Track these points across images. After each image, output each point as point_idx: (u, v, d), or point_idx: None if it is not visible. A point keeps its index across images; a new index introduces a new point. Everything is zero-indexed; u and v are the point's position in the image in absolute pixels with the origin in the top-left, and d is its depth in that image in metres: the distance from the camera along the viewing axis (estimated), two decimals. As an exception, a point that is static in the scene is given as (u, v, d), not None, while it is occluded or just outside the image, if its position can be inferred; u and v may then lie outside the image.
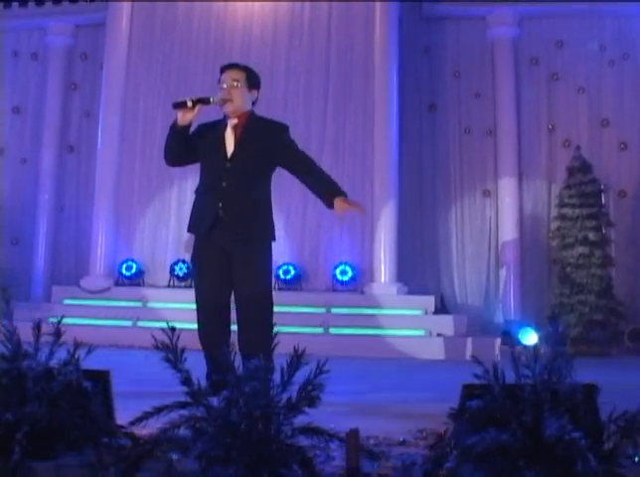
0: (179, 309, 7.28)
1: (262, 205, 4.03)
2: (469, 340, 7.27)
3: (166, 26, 8.82)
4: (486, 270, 9.14)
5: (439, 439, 2.13)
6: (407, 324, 7.70)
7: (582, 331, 7.86)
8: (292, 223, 8.40)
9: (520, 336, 8.40)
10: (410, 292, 8.19)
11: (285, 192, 8.33)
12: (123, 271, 8.31)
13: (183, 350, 2.12)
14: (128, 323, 7.75)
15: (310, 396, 2.03)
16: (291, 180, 8.01)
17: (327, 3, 8.57)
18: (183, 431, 2.02)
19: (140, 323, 7.64)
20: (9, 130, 9.71)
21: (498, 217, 9.09)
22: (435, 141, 9.31)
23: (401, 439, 2.56)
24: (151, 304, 8.00)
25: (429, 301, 7.94)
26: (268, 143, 3.97)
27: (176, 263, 8.24)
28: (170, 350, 2.10)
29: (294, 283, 8.14)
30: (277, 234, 8.23)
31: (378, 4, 8.37)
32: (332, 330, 7.57)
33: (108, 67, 8.79)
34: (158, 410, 2.14)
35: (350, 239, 8.29)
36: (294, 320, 7.61)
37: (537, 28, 9.22)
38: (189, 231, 4.14)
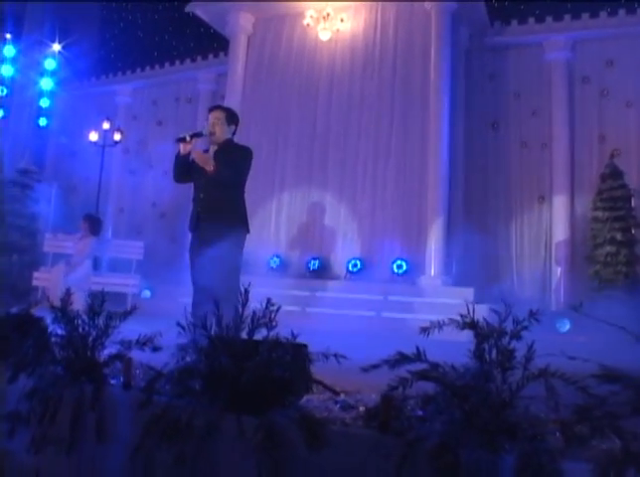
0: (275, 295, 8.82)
1: (232, 206, 4.64)
2: (491, 325, 8.06)
3: (270, 73, 10.55)
4: (542, 266, 9.68)
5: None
6: (447, 310, 8.50)
7: (608, 322, 8.24)
8: (363, 226, 9.61)
9: (557, 324, 8.99)
10: (468, 285, 8.80)
11: (358, 201, 9.66)
12: (233, 263, 10.04)
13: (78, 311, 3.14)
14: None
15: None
16: (363, 191, 9.44)
17: (393, 44, 9.74)
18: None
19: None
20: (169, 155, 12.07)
21: (552, 220, 9.61)
22: (498, 154, 10.03)
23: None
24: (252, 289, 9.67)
25: (468, 292, 8.53)
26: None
27: (272, 257, 9.87)
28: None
29: (360, 274, 9.32)
30: (350, 235, 9.60)
31: (433, 44, 9.33)
32: (383, 314, 8.74)
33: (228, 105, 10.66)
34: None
35: (406, 239, 9.29)
36: (356, 305, 8.90)
37: (588, 50, 9.60)
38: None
